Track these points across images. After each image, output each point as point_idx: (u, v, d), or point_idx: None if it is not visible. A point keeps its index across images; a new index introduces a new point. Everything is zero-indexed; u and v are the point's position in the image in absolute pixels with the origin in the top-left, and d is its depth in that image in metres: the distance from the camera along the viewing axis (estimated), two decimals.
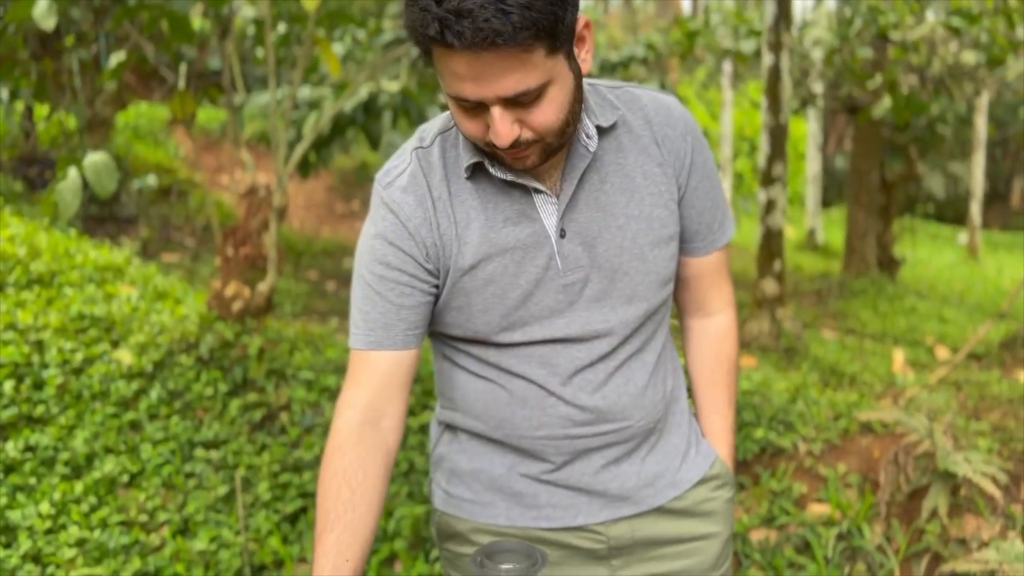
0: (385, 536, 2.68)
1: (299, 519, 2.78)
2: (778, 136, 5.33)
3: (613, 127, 1.21)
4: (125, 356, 3.22)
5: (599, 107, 1.21)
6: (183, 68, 5.55)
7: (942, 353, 5.44)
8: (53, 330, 3.29)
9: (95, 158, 2.88)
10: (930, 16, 6.64)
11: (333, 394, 3.12)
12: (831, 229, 12.15)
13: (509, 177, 1.18)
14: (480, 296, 1.21)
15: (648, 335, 1.28)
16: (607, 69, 8.09)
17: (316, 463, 2.90)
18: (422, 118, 4.82)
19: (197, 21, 4.53)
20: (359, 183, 9.32)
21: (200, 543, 2.66)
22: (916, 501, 2.47)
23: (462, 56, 0.99)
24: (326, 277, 6.73)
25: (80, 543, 2.62)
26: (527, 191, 1.20)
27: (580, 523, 1.30)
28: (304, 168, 4.83)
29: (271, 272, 3.27)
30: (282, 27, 5.16)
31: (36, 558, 2.56)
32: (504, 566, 1.15)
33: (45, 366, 3.15)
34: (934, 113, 7.55)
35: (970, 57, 6.26)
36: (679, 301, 1.41)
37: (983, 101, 10.97)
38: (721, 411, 1.40)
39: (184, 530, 2.75)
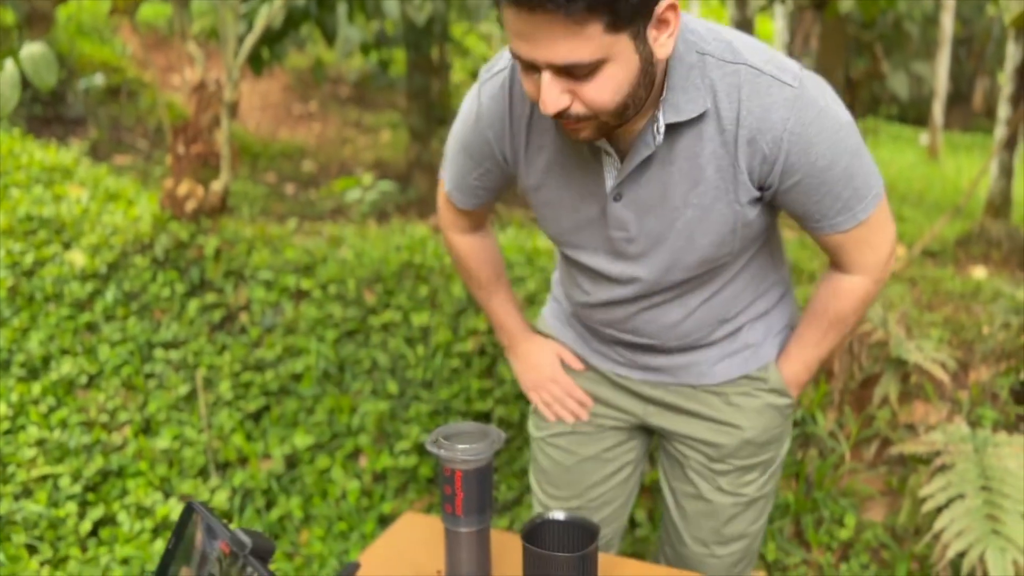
0: (349, 431, 2.71)
1: (262, 417, 2.79)
2: (744, 30, 5.24)
3: (701, 115, 1.13)
4: (78, 258, 3.15)
5: (686, 93, 1.11)
6: None
7: (899, 250, 5.52)
8: (0, 231, 3.20)
9: (33, 49, 2.74)
10: None
11: (293, 294, 3.09)
12: None
13: None
14: (540, 209, 1.33)
15: (694, 285, 1.32)
16: None
17: (278, 362, 2.90)
18: (379, 10, 4.65)
19: None
20: (315, 83, 9.05)
21: (163, 442, 2.66)
22: (868, 389, 2.53)
23: (517, 13, 0.97)
24: (284, 180, 6.59)
25: (40, 443, 2.61)
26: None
27: (623, 374, 1.48)
28: (256, 64, 4.66)
29: (224, 170, 3.19)
30: None
31: None
32: (460, 446, 1.16)
33: None
34: (901, 10, 7.46)
35: None
36: None
37: None
38: (803, 345, 1.41)
39: (146, 429, 2.75)
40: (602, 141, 1.18)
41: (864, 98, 8.59)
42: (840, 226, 1.23)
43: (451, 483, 1.18)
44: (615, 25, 0.97)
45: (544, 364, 1.52)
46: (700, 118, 1.13)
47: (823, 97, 1.14)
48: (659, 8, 1.00)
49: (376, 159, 7.45)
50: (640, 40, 1.01)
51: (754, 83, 1.10)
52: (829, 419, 2.52)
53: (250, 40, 3.23)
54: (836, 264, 1.34)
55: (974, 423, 2.34)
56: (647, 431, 1.57)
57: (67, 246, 3.24)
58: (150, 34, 9.01)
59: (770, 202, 1.23)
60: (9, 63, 2.72)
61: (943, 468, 2.08)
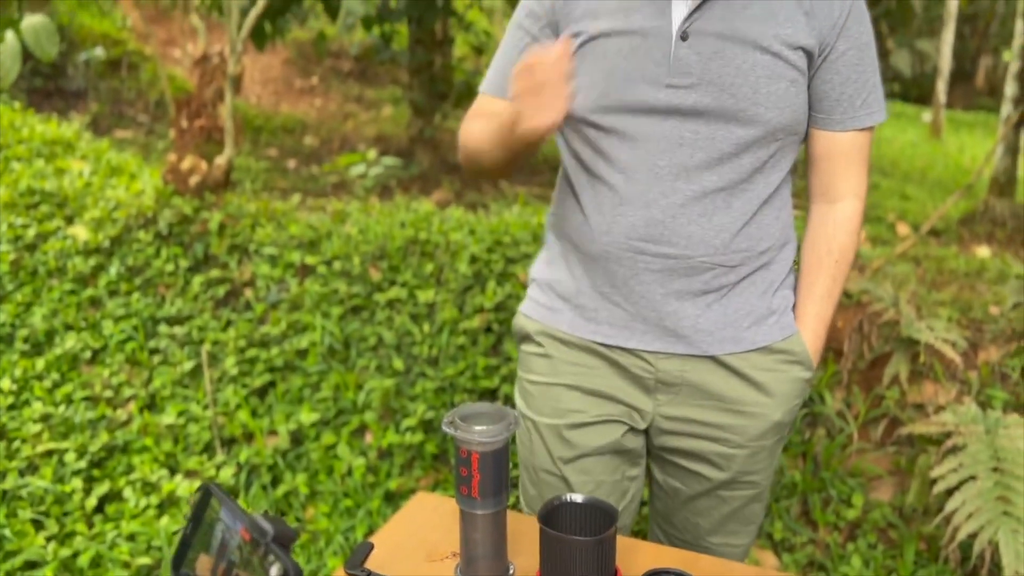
0: (355, 408, 2.70)
1: (267, 393, 2.78)
2: None
3: None
4: (80, 232, 3.12)
5: None
6: None
7: (903, 229, 5.50)
8: (2, 205, 3.17)
9: (34, 20, 2.71)
10: None
11: (297, 270, 3.07)
12: None
13: None
14: (590, 68, 1.23)
15: (740, 176, 1.24)
16: None
17: (283, 338, 2.88)
18: None
19: None
20: (317, 57, 8.96)
21: (168, 417, 2.65)
22: (877, 369, 2.52)
23: None
24: (286, 155, 6.55)
25: (45, 418, 2.60)
26: None
27: (633, 346, 1.32)
28: (259, 38, 4.60)
29: (228, 144, 3.16)
30: None
31: (1, 433, 2.54)
32: (478, 427, 1.15)
33: None
34: None
35: None
36: (807, 184, 1.38)
37: None
38: (816, 299, 1.35)
39: (151, 405, 2.74)
40: None
41: None
42: (859, 121, 1.28)
43: (467, 465, 1.16)
44: None
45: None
46: None
47: None
48: None
49: (378, 134, 7.39)
50: None
51: None
52: (837, 399, 2.51)
53: (254, 13, 3.19)
54: (825, 193, 1.34)
55: (984, 404, 2.33)
56: (645, 448, 1.42)
57: (70, 220, 3.21)
58: (150, 6, 8.91)
59: (813, 80, 1.26)
60: (10, 34, 2.68)
61: (954, 449, 2.07)
